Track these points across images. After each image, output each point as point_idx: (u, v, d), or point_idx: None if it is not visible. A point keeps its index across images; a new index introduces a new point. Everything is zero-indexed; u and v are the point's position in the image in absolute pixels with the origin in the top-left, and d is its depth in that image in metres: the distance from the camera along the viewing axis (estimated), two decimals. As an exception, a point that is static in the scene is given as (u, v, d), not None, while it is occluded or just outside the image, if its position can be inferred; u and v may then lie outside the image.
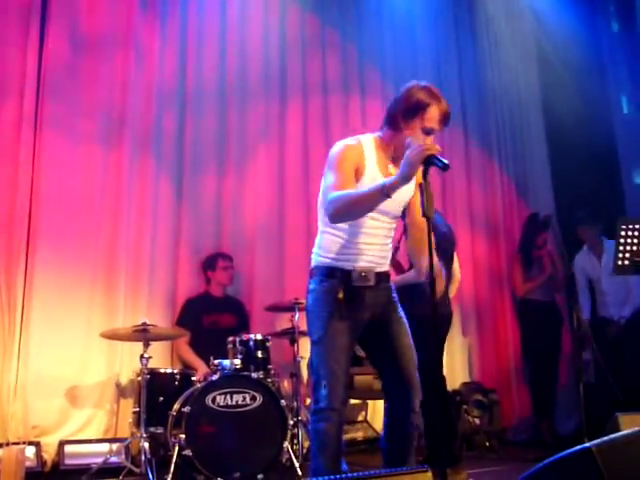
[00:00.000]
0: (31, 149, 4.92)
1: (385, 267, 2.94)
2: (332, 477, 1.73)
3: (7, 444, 4.29)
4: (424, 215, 2.48)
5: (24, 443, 4.37)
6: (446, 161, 2.53)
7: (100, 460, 4.29)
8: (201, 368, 4.83)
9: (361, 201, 2.66)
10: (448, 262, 4.39)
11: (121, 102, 5.30)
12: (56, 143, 5.03)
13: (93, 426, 4.86)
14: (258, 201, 5.75)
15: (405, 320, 2.92)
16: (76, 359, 4.88)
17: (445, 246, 4.31)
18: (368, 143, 2.86)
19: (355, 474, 1.75)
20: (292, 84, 6.10)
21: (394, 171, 2.77)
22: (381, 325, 2.90)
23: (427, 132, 2.75)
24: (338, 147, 2.85)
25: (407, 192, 2.82)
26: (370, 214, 2.77)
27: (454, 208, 6.49)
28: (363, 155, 2.82)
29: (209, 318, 5.17)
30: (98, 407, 4.91)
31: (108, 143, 5.22)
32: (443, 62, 6.92)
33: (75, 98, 5.14)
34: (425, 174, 2.54)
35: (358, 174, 2.79)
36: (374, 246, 2.88)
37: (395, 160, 2.82)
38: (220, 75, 5.80)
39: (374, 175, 2.79)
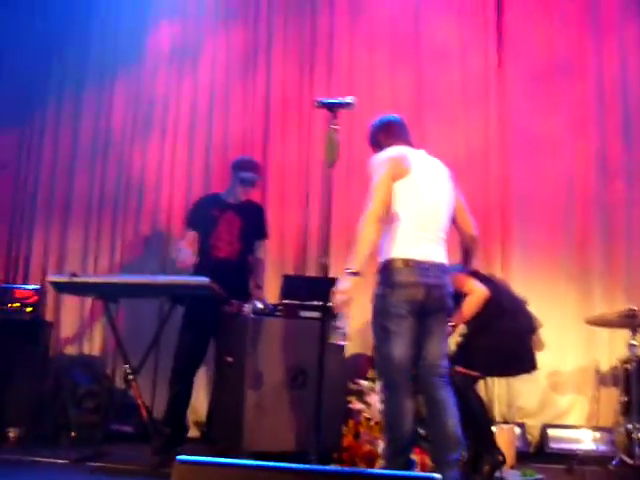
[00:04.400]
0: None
1: None
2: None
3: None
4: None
5: (509, 423, 4.52)
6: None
7: (583, 447, 4.21)
8: None
9: None
10: None
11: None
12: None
13: (574, 412, 4.83)
14: None
15: None
16: (554, 344, 4.87)
17: None
18: None
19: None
20: None
21: None
22: None
23: None
24: None
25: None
26: None
27: None
28: None
29: None
30: (579, 393, 4.86)
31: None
32: None
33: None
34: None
35: None
36: None
37: None
38: None
39: None
